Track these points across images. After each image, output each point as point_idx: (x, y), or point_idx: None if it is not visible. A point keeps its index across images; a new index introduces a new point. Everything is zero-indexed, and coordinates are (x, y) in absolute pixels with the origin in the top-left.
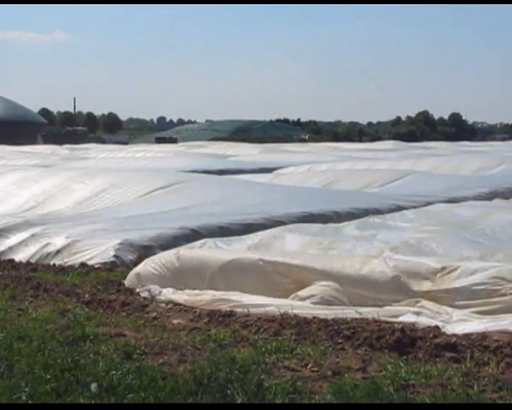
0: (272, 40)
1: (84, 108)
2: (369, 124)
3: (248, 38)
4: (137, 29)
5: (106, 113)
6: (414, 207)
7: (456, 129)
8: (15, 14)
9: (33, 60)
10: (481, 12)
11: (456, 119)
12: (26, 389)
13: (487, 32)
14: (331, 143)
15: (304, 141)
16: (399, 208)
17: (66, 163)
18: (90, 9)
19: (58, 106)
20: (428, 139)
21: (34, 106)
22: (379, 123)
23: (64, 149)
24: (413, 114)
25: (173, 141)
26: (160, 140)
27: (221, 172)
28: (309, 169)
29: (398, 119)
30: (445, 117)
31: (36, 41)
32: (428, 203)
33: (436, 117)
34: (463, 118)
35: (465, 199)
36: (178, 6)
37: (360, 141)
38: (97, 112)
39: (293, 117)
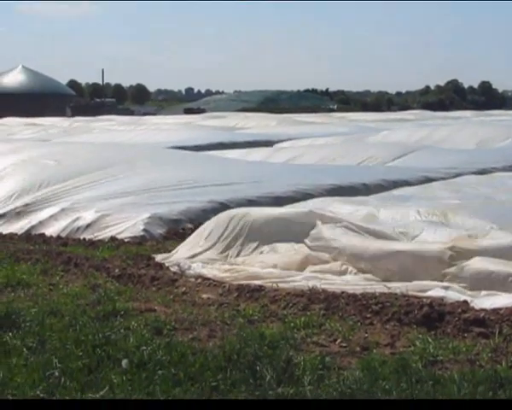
0: (301, 9)
1: (112, 79)
2: (398, 93)
3: (277, 7)
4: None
5: (134, 84)
6: (443, 179)
7: (486, 98)
8: None
9: (61, 32)
10: None
11: (485, 87)
12: (58, 365)
13: None
14: (356, 114)
15: (332, 111)
16: (428, 180)
17: (62, 137)
18: None
19: (86, 78)
20: (458, 108)
21: (63, 78)
22: (408, 92)
23: (80, 122)
24: (442, 83)
25: (201, 111)
26: (188, 111)
27: (216, 147)
28: (309, 144)
29: (427, 88)
30: (475, 86)
31: (64, 13)
32: (457, 175)
33: (466, 86)
34: (493, 86)
35: (494, 170)
36: None
37: (389, 110)
38: (125, 83)
39: (321, 87)
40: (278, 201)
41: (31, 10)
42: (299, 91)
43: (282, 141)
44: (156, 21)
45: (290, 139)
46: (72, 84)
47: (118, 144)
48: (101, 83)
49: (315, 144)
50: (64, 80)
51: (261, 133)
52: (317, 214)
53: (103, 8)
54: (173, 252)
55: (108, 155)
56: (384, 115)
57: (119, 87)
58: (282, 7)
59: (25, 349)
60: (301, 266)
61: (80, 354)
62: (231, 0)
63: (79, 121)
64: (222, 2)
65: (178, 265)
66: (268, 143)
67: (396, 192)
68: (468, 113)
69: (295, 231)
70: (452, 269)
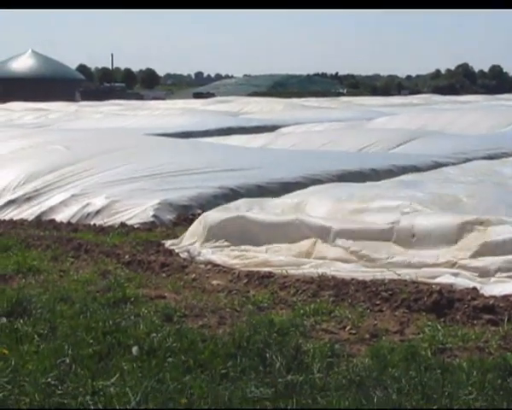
0: None
1: (121, 64)
2: (408, 77)
3: None
4: None
5: (143, 68)
6: (453, 164)
7: (497, 82)
8: None
9: (70, 16)
10: None
11: (496, 71)
12: (69, 352)
13: None
14: (364, 98)
15: (341, 95)
16: (438, 165)
17: (65, 123)
18: None
19: (96, 62)
20: (468, 92)
21: (72, 62)
22: (418, 76)
23: (86, 107)
24: (453, 67)
25: (210, 96)
26: (197, 95)
27: (218, 132)
28: (310, 130)
29: (438, 72)
30: (486, 69)
31: None
32: (467, 160)
33: (476, 70)
34: (504, 70)
35: (505, 155)
36: None
37: (399, 94)
38: (135, 68)
39: (331, 71)
40: (287, 187)
41: None
42: (308, 76)
43: (286, 126)
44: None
45: (295, 124)
46: (82, 68)
47: (119, 130)
48: (110, 67)
49: (316, 130)
50: (73, 65)
51: (265, 118)
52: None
53: None
54: (181, 238)
55: (112, 141)
56: (391, 100)
57: (128, 72)
58: None
59: (36, 336)
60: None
61: (91, 340)
62: None
63: (85, 106)
64: None
65: (188, 251)
66: (271, 128)
67: (404, 177)
68: (478, 97)
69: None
70: None
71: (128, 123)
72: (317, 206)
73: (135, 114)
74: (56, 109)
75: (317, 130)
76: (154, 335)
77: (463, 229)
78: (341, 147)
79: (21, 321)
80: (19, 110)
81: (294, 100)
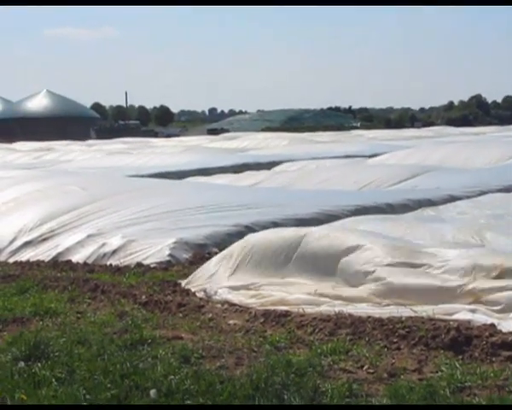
0: (322, 27)
1: (135, 101)
2: (422, 109)
3: (298, 26)
4: (186, 21)
5: (157, 105)
6: (468, 198)
7: (511, 112)
8: (64, 10)
9: (84, 55)
10: None
11: (510, 101)
12: (88, 397)
13: None
14: (376, 131)
15: (356, 128)
16: (453, 198)
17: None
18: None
19: (110, 100)
20: (482, 124)
21: (86, 101)
22: (431, 108)
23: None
24: (466, 99)
25: (225, 132)
26: (211, 132)
27: (209, 171)
28: (300, 168)
29: (451, 103)
30: (499, 100)
31: (85, 37)
32: (482, 192)
33: (489, 100)
34: None
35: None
36: None
37: (412, 127)
38: (149, 105)
39: (344, 105)
40: (302, 223)
41: (55, 34)
42: (322, 110)
43: (286, 161)
44: (178, 42)
45: (294, 160)
46: (96, 106)
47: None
48: (124, 105)
49: (312, 167)
50: (88, 103)
51: (265, 155)
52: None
53: (124, 31)
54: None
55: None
56: (402, 133)
57: (142, 109)
58: (304, 24)
59: (54, 380)
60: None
61: (109, 384)
62: (253, 18)
63: (96, 145)
64: (244, 21)
65: (205, 290)
66: (267, 166)
67: (425, 213)
68: (490, 128)
69: None
70: None
71: (126, 162)
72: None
73: (138, 152)
74: (68, 149)
75: (312, 167)
76: (172, 377)
77: None
78: (339, 185)
79: (39, 365)
80: (23, 149)
81: (303, 134)
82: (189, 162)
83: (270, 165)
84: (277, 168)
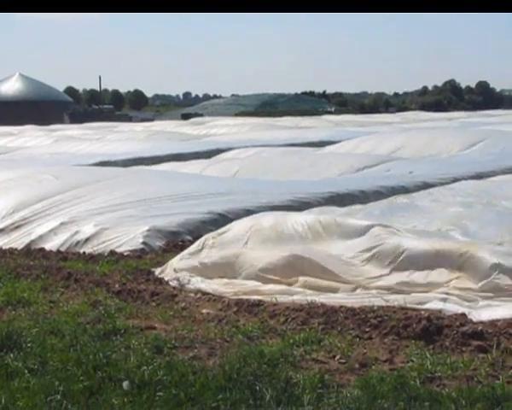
0: (297, 12)
1: (109, 85)
2: (396, 94)
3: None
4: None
5: (131, 90)
6: (441, 184)
7: (484, 97)
8: None
9: (57, 38)
10: None
11: (483, 87)
12: (60, 388)
13: None
14: (346, 116)
15: (330, 113)
16: (426, 186)
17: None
18: None
19: (84, 84)
20: (455, 108)
21: (60, 85)
22: (405, 93)
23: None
24: (440, 84)
25: (199, 116)
26: (185, 116)
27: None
28: (232, 157)
29: (425, 88)
30: (473, 85)
31: (59, 19)
32: (455, 179)
33: (463, 86)
34: (491, 86)
35: (493, 174)
36: None
37: (386, 111)
38: (123, 89)
39: (318, 89)
40: (276, 210)
41: (26, 16)
42: (296, 94)
43: (233, 149)
44: (152, 25)
45: (246, 147)
46: (70, 90)
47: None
48: (98, 89)
49: (264, 155)
50: (61, 87)
51: (224, 141)
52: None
53: (98, 13)
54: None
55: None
56: (370, 118)
57: (116, 93)
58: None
59: (26, 371)
60: None
61: (81, 375)
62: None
63: (60, 130)
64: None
65: (178, 279)
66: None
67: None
68: (461, 113)
69: None
70: None
71: (76, 149)
72: None
73: (98, 138)
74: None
75: (264, 155)
76: (145, 368)
77: None
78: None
79: (11, 356)
80: None
81: (273, 119)
82: (141, 150)
83: (218, 152)
84: (223, 155)
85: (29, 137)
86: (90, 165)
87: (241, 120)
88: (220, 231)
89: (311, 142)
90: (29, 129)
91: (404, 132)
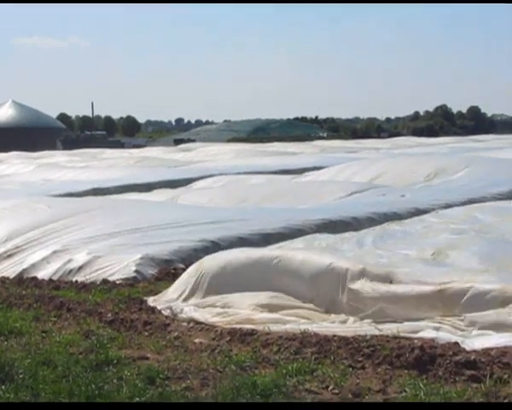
0: (288, 37)
1: (102, 111)
2: (388, 119)
3: (264, 35)
4: (152, 32)
5: (124, 116)
6: (433, 210)
7: (475, 122)
8: (30, 19)
9: (50, 65)
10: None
11: (474, 112)
12: None
13: (503, 24)
14: (335, 141)
15: (322, 138)
16: (419, 212)
17: None
18: (104, 14)
19: (76, 110)
20: (447, 134)
21: (52, 111)
22: (397, 118)
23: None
24: (431, 109)
25: (191, 142)
26: (178, 142)
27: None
28: (207, 186)
29: (417, 114)
30: (464, 111)
31: (52, 46)
32: (448, 205)
33: (455, 111)
34: (482, 111)
35: (484, 199)
36: (194, 6)
37: (379, 137)
38: (115, 115)
39: (311, 115)
40: (269, 238)
41: (19, 43)
42: (289, 120)
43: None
44: (144, 53)
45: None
46: (63, 117)
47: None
48: (91, 115)
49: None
50: (54, 114)
51: (201, 167)
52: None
53: (91, 41)
54: (163, 293)
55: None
56: (358, 143)
57: (109, 119)
58: (270, 35)
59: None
60: None
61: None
62: (219, 28)
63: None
64: (210, 31)
65: (170, 308)
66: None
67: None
68: (450, 138)
69: None
70: None
71: (55, 176)
72: None
73: (83, 165)
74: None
75: (239, 184)
76: (137, 399)
77: None
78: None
79: (3, 387)
80: None
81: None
82: (116, 179)
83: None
84: (197, 184)
85: (7, 165)
86: (55, 196)
87: (229, 146)
88: None
89: (291, 169)
90: (12, 156)
91: (387, 159)
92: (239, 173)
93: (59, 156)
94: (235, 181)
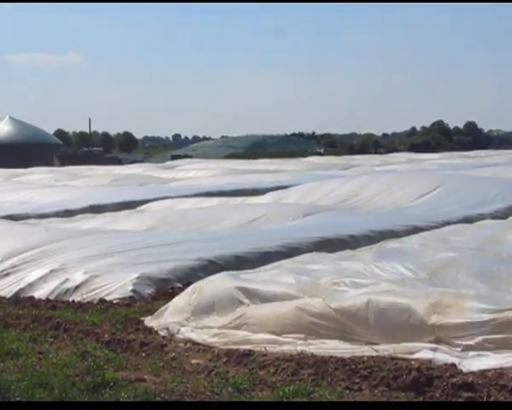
0: (285, 54)
1: (99, 127)
2: (385, 135)
3: (262, 51)
4: (150, 48)
5: (121, 132)
6: (431, 228)
7: (472, 138)
8: (26, 35)
9: (47, 81)
10: (496, 18)
11: (471, 127)
12: None
13: (499, 39)
14: (328, 157)
15: (320, 154)
16: (416, 229)
17: None
18: (102, 30)
19: (73, 126)
20: (444, 149)
21: (50, 127)
22: (394, 134)
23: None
24: (428, 125)
25: (188, 157)
26: (175, 158)
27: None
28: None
29: (414, 129)
30: (461, 126)
31: (49, 62)
32: (445, 223)
33: (451, 126)
34: (479, 126)
35: (481, 217)
36: (191, 19)
37: (376, 152)
38: (113, 131)
39: (308, 130)
40: (266, 256)
41: (17, 59)
42: (286, 136)
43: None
44: (142, 68)
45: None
46: (60, 133)
47: None
48: (88, 131)
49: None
50: (51, 130)
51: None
52: None
53: (88, 56)
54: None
55: None
56: (349, 160)
57: (106, 135)
58: (267, 50)
59: None
60: None
61: None
62: (218, 43)
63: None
64: (208, 47)
65: (167, 329)
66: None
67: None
68: (439, 155)
69: None
70: None
71: (15, 197)
72: None
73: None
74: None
75: (184, 207)
76: None
77: None
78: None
79: None
80: None
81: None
82: (81, 198)
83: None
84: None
85: None
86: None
87: (217, 163)
88: None
89: (251, 188)
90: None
91: (362, 176)
92: (196, 196)
93: (37, 174)
94: (169, 207)
